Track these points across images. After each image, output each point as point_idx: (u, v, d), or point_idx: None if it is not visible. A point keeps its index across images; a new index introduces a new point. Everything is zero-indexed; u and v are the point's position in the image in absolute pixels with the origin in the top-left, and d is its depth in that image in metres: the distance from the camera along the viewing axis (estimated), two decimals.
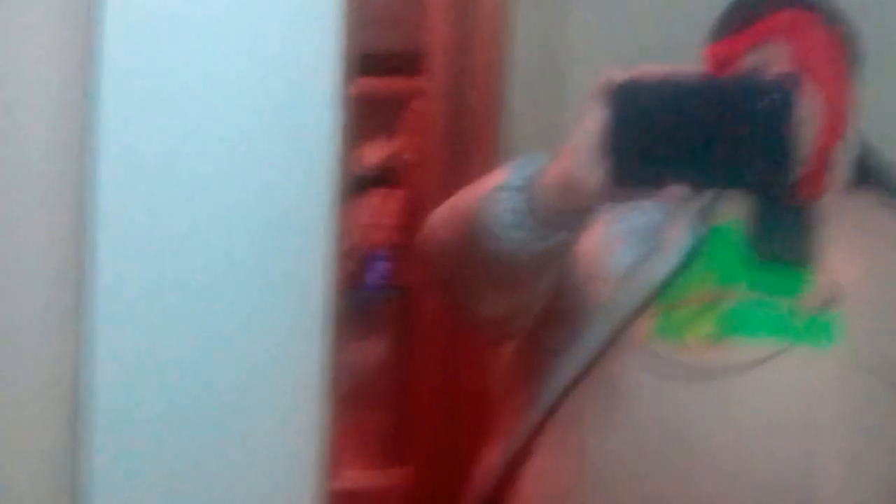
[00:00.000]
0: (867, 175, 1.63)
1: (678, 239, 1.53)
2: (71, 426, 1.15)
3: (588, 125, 1.33)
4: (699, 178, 1.32)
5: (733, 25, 1.57)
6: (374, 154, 3.51)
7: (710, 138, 1.30)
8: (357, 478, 2.93)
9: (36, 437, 1.15)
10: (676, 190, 1.30)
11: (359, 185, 3.37)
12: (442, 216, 1.58)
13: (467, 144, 2.76)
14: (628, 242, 1.54)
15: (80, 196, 1.13)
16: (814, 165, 1.54)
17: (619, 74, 1.32)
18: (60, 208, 1.13)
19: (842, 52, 1.58)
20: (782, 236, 1.53)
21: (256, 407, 1.23)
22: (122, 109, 1.13)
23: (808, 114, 1.50)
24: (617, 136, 1.32)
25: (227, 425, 1.21)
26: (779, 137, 1.30)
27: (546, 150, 1.43)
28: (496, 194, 1.44)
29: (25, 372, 1.14)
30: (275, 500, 1.24)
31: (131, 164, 1.14)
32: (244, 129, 1.19)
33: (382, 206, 3.51)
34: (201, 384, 1.20)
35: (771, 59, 1.52)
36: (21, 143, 1.12)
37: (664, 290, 1.51)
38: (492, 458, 1.68)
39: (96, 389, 1.15)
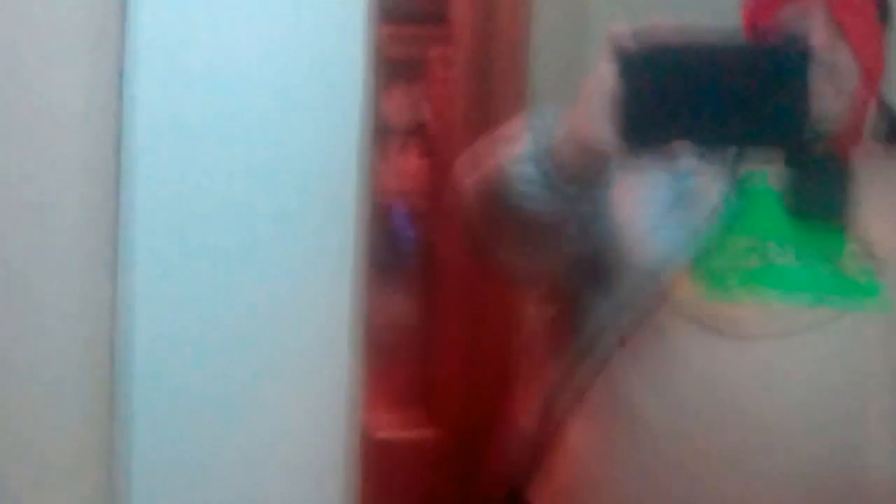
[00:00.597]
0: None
1: (713, 199, 1.53)
2: (108, 392, 1.17)
3: (597, 83, 1.32)
4: (710, 138, 1.31)
5: None
6: (396, 108, 3.50)
7: (721, 98, 1.29)
8: (384, 431, 2.95)
9: (77, 397, 1.17)
10: (687, 150, 1.30)
11: (381, 139, 3.37)
12: (465, 174, 1.58)
13: (492, 98, 2.76)
14: (663, 204, 1.54)
15: (116, 158, 1.14)
16: (848, 122, 1.54)
17: (626, 31, 1.30)
18: (96, 162, 1.14)
19: (875, 8, 1.57)
20: (818, 193, 1.53)
21: (290, 360, 1.24)
22: (155, 68, 1.14)
23: (843, 70, 1.50)
24: (626, 95, 1.30)
25: (262, 379, 1.22)
26: (790, 96, 1.28)
27: (570, 96, 1.42)
28: (510, 159, 1.45)
29: (65, 345, 1.16)
30: (309, 452, 1.25)
31: (165, 123, 1.15)
32: (275, 84, 1.19)
33: (405, 161, 3.51)
34: (236, 339, 1.20)
35: (806, 13, 1.51)
36: (57, 102, 1.13)
37: (700, 250, 1.51)
38: (526, 419, 1.68)
39: (133, 347, 1.16)
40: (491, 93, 2.75)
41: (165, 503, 1.20)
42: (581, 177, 1.41)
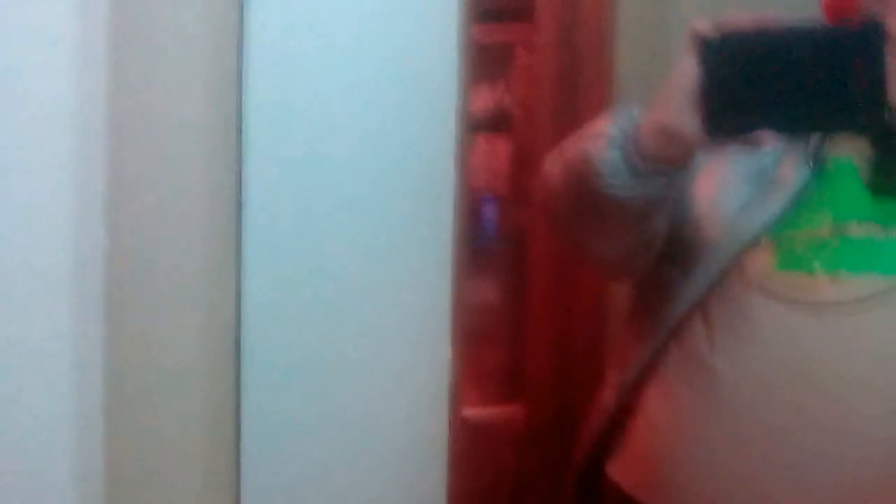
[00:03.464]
0: None
1: (792, 176, 1.54)
2: (232, 380, 1.24)
3: (680, 75, 1.36)
4: (790, 124, 1.34)
5: None
6: (482, 100, 3.52)
7: (800, 84, 1.32)
8: (473, 413, 2.97)
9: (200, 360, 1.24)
10: (769, 137, 1.34)
11: (470, 129, 3.39)
12: (553, 165, 1.61)
13: (576, 91, 2.78)
14: (744, 182, 1.56)
15: (235, 152, 1.21)
16: None
17: (706, 24, 1.34)
18: (217, 160, 1.21)
19: None
20: None
21: (389, 345, 1.29)
22: (267, 65, 1.21)
23: None
24: (708, 85, 1.34)
25: (365, 360, 1.28)
26: (867, 78, 1.31)
27: (655, 86, 1.45)
28: (598, 151, 1.47)
29: (189, 312, 1.23)
30: (408, 429, 1.32)
31: (278, 123, 1.22)
32: (378, 85, 1.25)
33: (490, 152, 3.53)
34: (338, 322, 1.27)
35: (885, 1, 1.49)
36: (179, 86, 1.20)
37: (778, 226, 1.52)
38: (609, 391, 1.71)
39: (250, 331, 1.22)
40: (576, 85, 2.77)
41: (277, 479, 1.27)
42: (665, 164, 1.44)
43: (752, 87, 1.33)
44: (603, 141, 1.47)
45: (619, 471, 1.67)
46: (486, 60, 3.31)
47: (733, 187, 1.56)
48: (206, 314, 1.24)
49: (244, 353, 1.22)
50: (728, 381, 1.53)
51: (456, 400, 1.37)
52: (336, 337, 1.27)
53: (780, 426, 1.50)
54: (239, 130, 1.20)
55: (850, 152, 1.54)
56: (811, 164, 1.55)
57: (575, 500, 1.76)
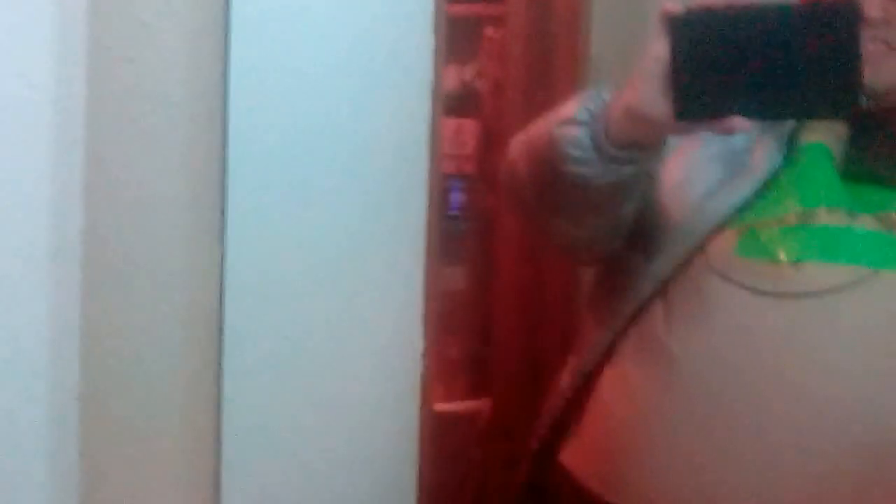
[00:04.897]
0: None
1: (763, 161, 1.55)
2: (212, 361, 1.25)
3: (650, 57, 1.37)
4: (762, 107, 1.35)
5: None
6: (451, 80, 3.52)
7: (772, 67, 1.33)
8: (440, 404, 2.97)
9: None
10: (740, 121, 1.36)
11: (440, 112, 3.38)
12: (519, 148, 1.61)
13: (546, 72, 2.79)
14: (712, 166, 1.57)
15: (218, 133, 1.21)
16: None
17: (677, 6, 1.35)
18: (198, 141, 1.22)
19: None
20: (871, 154, 1.54)
21: (361, 334, 1.30)
22: (249, 45, 1.21)
23: None
24: (679, 67, 1.35)
25: (338, 348, 1.29)
26: (841, 59, 1.32)
27: (628, 72, 1.46)
28: (564, 129, 1.48)
29: (169, 296, 1.24)
30: (379, 418, 1.33)
31: (257, 100, 1.22)
32: (353, 69, 1.26)
33: (460, 133, 3.53)
34: (313, 308, 1.28)
35: None
36: (161, 64, 1.20)
37: (746, 210, 1.53)
38: (566, 376, 1.71)
39: (230, 313, 1.23)
40: (547, 66, 2.78)
41: (255, 460, 1.28)
42: (634, 148, 1.45)
43: (724, 69, 1.34)
44: (571, 123, 1.48)
45: (571, 457, 1.67)
46: (455, 39, 3.31)
47: (701, 171, 1.57)
48: (187, 298, 1.24)
49: (225, 337, 1.23)
50: (685, 367, 1.53)
51: (427, 390, 1.37)
52: (309, 324, 1.27)
53: (736, 414, 1.51)
54: (223, 111, 1.21)
55: (824, 137, 1.55)
56: (783, 148, 1.56)
57: (527, 488, 1.77)
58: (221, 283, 1.22)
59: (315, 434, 1.29)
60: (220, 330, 1.23)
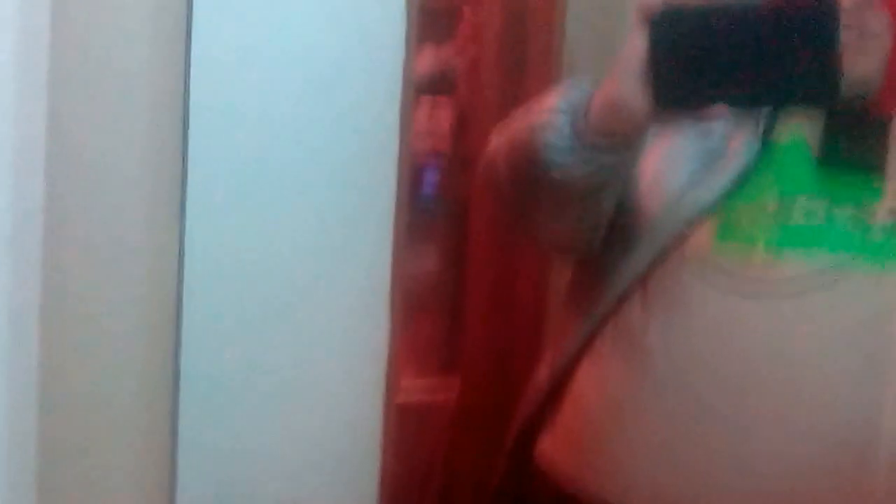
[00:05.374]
0: None
1: (740, 152, 1.56)
2: (167, 346, 1.24)
3: (630, 48, 1.38)
4: (742, 98, 1.36)
5: None
6: (426, 62, 3.51)
7: (752, 57, 1.34)
8: (410, 386, 2.98)
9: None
10: (722, 112, 1.36)
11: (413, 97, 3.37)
12: (500, 140, 1.62)
13: (523, 55, 2.79)
14: (690, 158, 1.58)
15: (181, 110, 1.20)
16: (887, 82, 1.54)
17: None
18: (160, 115, 1.21)
19: None
20: (851, 147, 1.54)
21: (327, 313, 1.30)
22: (214, 22, 1.20)
23: (873, 31, 1.51)
24: (659, 58, 1.36)
25: (302, 330, 1.29)
26: (818, 53, 1.33)
27: (603, 61, 1.46)
28: (545, 121, 1.49)
29: (129, 271, 1.22)
30: (343, 401, 1.32)
31: (222, 75, 1.21)
32: (322, 47, 1.25)
33: (434, 114, 3.52)
34: (279, 293, 1.28)
35: None
36: (124, 36, 1.19)
37: (724, 202, 1.54)
38: (543, 369, 1.73)
39: (190, 289, 1.22)
40: (523, 49, 2.77)
41: (210, 444, 1.27)
42: (615, 140, 1.46)
43: (704, 60, 1.35)
44: (552, 116, 1.49)
45: (549, 451, 1.69)
46: (430, 21, 3.30)
47: (679, 163, 1.58)
48: (147, 273, 1.23)
49: (184, 316, 1.23)
50: (662, 361, 1.55)
51: (392, 371, 1.37)
52: (272, 304, 1.27)
53: (713, 409, 1.52)
54: (185, 87, 1.20)
55: (801, 128, 1.55)
56: (759, 140, 1.56)
57: (504, 481, 1.77)
58: (181, 262, 1.22)
59: (275, 418, 1.29)
60: (180, 310, 1.22)
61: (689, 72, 1.36)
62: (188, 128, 1.20)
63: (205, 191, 1.22)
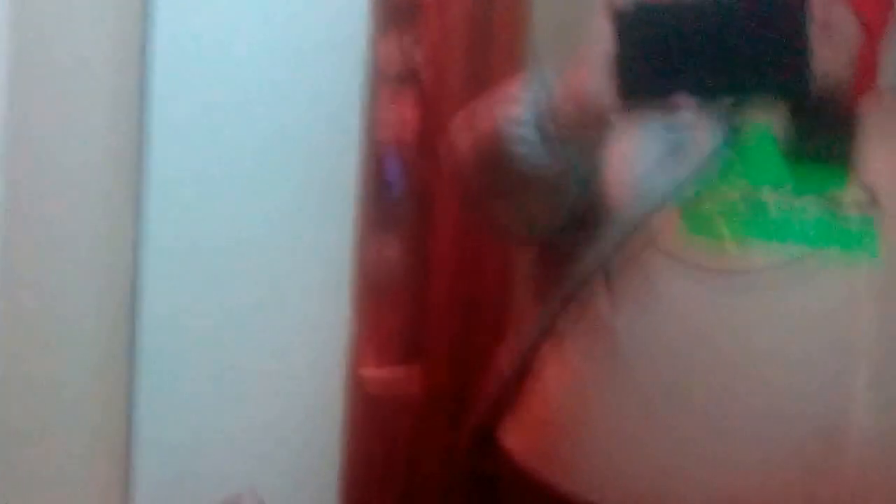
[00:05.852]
0: None
1: (706, 141, 1.56)
2: (123, 337, 1.24)
3: (594, 40, 1.38)
4: (710, 90, 1.36)
5: None
6: (390, 51, 3.51)
7: (720, 48, 1.34)
8: (371, 374, 2.97)
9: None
10: (688, 103, 1.36)
11: (375, 86, 3.36)
12: (461, 131, 1.62)
13: (488, 43, 2.79)
14: (655, 146, 1.57)
15: (140, 99, 1.19)
16: (854, 76, 1.56)
17: None
18: (119, 102, 1.20)
19: None
20: (818, 139, 1.55)
21: (287, 301, 1.30)
22: (174, 10, 1.20)
23: (839, 25, 1.52)
24: (625, 51, 1.36)
25: (262, 316, 1.29)
26: (785, 45, 1.33)
27: (569, 48, 1.46)
28: (509, 112, 1.49)
29: (85, 261, 1.22)
30: (304, 389, 1.33)
31: (183, 63, 1.20)
32: (281, 36, 1.25)
33: (398, 105, 3.51)
34: (239, 285, 1.27)
35: None
36: (84, 31, 1.18)
37: (690, 193, 1.54)
38: (505, 355, 1.73)
39: (147, 278, 1.22)
40: (488, 37, 2.77)
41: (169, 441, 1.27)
42: (580, 135, 1.46)
43: (670, 52, 1.35)
44: (515, 109, 1.49)
45: (513, 438, 1.68)
46: (394, 9, 3.29)
47: (644, 151, 1.58)
48: (105, 262, 1.23)
49: (141, 301, 1.22)
50: (629, 348, 1.55)
51: (354, 360, 1.37)
52: (233, 289, 1.27)
53: (680, 397, 1.52)
54: (146, 75, 1.19)
55: (768, 119, 1.55)
56: (725, 129, 1.56)
57: (467, 468, 1.77)
58: (139, 249, 1.21)
59: (236, 406, 1.29)
60: (139, 299, 1.22)
61: (656, 65, 1.36)
62: (149, 114, 1.19)
63: (165, 178, 1.22)
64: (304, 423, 1.33)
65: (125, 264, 1.22)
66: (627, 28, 1.36)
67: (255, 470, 1.30)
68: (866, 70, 1.58)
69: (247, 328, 1.28)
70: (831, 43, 1.51)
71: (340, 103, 1.28)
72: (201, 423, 1.28)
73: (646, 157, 1.57)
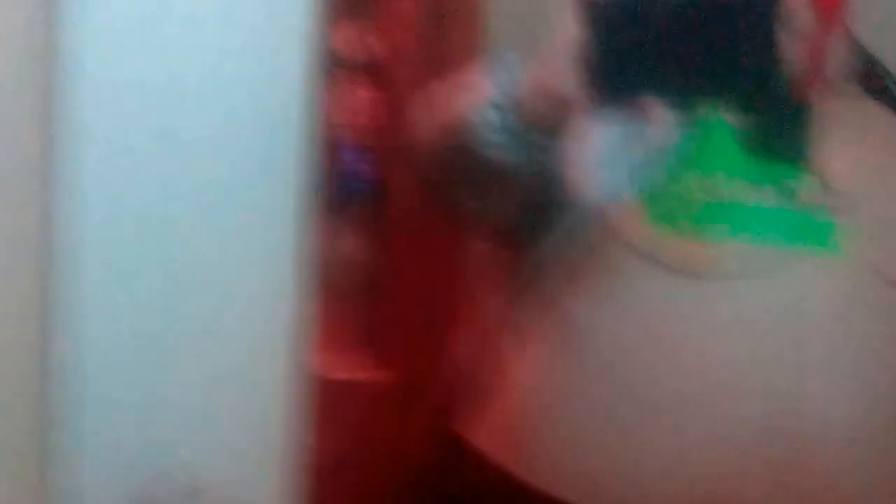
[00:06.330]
0: (867, 82, 1.66)
1: (664, 131, 1.55)
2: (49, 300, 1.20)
3: (565, 34, 1.38)
4: (677, 86, 1.36)
5: None
6: (348, 42, 3.51)
7: (688, 45, 1.34)
8: (332, 370, 2.98)
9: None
10: (654, 99, 1.35)
11: (332, 74, 3.37)
12: (425, 120, 1.62)
13: (446, 34, 2.78)
14: (612, 138, 1.57)
15: (55, 80, 1.16)
16: (807, 65, 1.55)
17: None
18: (35, 85, 1.17)
19: None
20: (776, 130, 1.55)
21: (235, 297, 1.27)
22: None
23: (793, 14, 1.51)
24: (594, 44, 1.36)
25: (206, 314, 1.26)
26: (760, 39, 1.34)
27: (528, 37, 1.45)
28: (475, 103, 1.50)
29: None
30: (254, 389, 1.30)
31: (105, 51, 1.17)
32: (218, 16, 1.22)
33: (355, 94, 3.51)
34: (178, 276, 1.24)
35: None
36: None
37: (649, 184, 1.55)
38: (463, 348, 1.74)
39: (77, 277, 1.19)
40: (445, 26, 2.77)
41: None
42: (545, 122, 1.47)
43: (640, 46, 1.35)
44: (479, 95, 1.50)
45: (478, 434, 1.68)
46: (353, 1, 3.29)
47: (602, 141, 1.57)
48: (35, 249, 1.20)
49: (83, 289, 1.20)
50: (591, 340, 1.56)
51: (306, 358, 1.35)
52: (171, 285, 1.24)
53: (641, 389, 1.53)
54: (60, 45, 1.16)
55: (725, 111, 1.55)
56: (684, 120, 1.55)
57: (428, 461, 1.77)
58: (62, 235, 1.19)
59: (182, 403, 1.26)
60: (71, 283, 1.19)
61: (625, 58, 1.36)
62: (78, 111, 1.16)
63: (90, 175, 1.19)
64: (255, 419, 1.30)
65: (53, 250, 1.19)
66: (598, 21, 1.36)
67: (191, 457, 1.27)
68: (818, 61, 1.58)
69: (182, 316, 1.25)
70: (787, 33, 1.50)
71: (285, 90, 1.25)
72: (147, 421, 1.25)
73: (604, 146, 1.57)
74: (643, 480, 1.52)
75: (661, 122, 1.54)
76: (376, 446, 2.90)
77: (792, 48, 1.51)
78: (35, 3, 1.16)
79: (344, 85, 3.43)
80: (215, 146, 1.23)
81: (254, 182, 1.26)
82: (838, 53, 1.61)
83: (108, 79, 1.18)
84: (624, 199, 1.55)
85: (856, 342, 1.51)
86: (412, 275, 2.91)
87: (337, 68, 3.39)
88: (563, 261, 1.58)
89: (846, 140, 1.57)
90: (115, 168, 1.21)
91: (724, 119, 1.55)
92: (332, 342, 3.10)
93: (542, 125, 1.47)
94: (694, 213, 1.52)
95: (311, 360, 1.36)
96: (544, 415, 1.59)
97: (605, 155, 1.57)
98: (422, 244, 2.87)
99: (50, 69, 1.17)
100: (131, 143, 1.20)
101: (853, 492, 1.50)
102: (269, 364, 1.29)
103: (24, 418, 1.22)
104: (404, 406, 2.73)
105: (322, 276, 1.38)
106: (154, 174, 1.22)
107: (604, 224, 1.55)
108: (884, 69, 1.67)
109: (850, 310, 1.51)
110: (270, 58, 1.24)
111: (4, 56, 1.15)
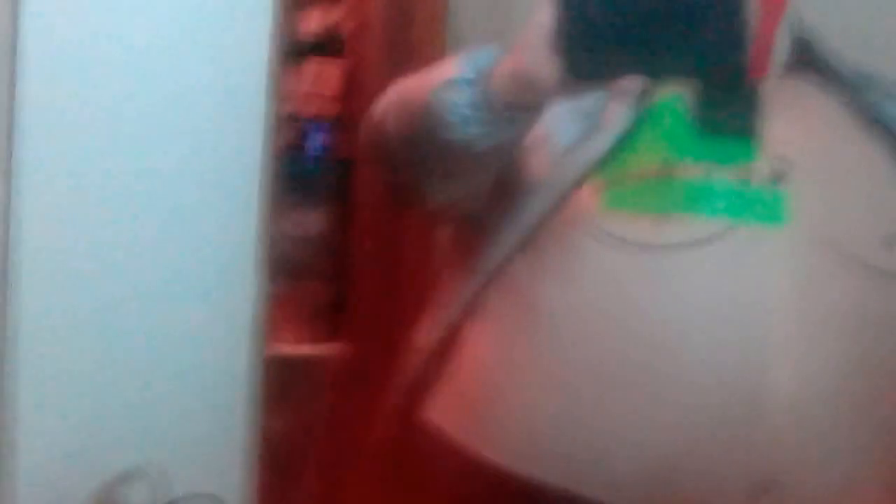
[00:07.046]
0: (808, 61, 1.69)
1: (620, 114, 1.58)
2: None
3: (540, 18, 1.38)
4: (653, 68, 1.38)
5: None
6: (315, 21, 3.50)
7: (663, 28, 1.35)
8: (292, 348, 2.98)
9: None
10: (630, 81, 1.37)
11: (298, 53, 3.37)
12: (388, 107, 1.62)
13: (412, 13, 2.79)
14: (572, 120, 1.59)
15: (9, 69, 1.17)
16: (758, 46, 1.57)
17: None
18: None
19: None
20: (728, 111, 1.57)
21: (194, 275, 1.29)
22: None
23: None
24: (569, 28, 1.36)
25: (164, 293, 1.27)
26: (730, 23, 1.35)
27: (490, 22, 1.47)
28: (448, 89, 1.49)
29: None
30: (212, 366, 1.32)
31: (61, 44, 1.18)
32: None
33: (322, 76, 3.51)
34: (138, 251, 1.26)
35: None
36: None
37: (606, 165, 1.55)
38: (428, 329, 1.73)
39: (31, 259, 1.20)
40: (409, 13, 2.78)
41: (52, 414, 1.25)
42: (518, 107, 1.46)
43: (614, 29, 1.36)
44: (454, 82, 1.49)
45: (438, 412, 1.69)
46: None
47: (561, 127, 1.59)
48: None
49: (26, 276, 1.21)
50: (552, 320, 1.56)
51: (266, 335, 1.37)
52: (132, 263, 1.26)
53: (603, 367, 1.53)
54: (19, 28, 1.17)
55: (678, 91, 1.57)
56: (637, 103, 1.58)
57: (391, 444, 1.78)
58: (19, 230, 1.20)
59: (137, 379, 1.27)
60: (14, 269, 1.20)
61: (600, 42, 1.37)
62: (22, 60, 1.17)
63: (63, 142, 1.20)
64: (208, 399, 1.32)
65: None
66: (572, 5, 1.37)
67: (156, 446, 1.29)
68: (764, 46, 1.61)
69: (143, 303, 1.26)
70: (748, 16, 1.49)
71: (245, 73, 1.27)
72: (92, 401, 1.26)
73: (564, 130, 1.59)
74: (604, 456, 1.52)
75: (624, 104, 1.58)
76: (338, 421, 2.90)
77: (751, 30, 1.49)
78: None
79: (311, 68, 3.42)
80: (176, 124, 1.25)
81: (214, 161, 1.27)
82: (779, 39, 1.64)
83: (64, 55, 1.19)
84: (583, 182, 1.55)
85: (814, 314, 1.52)
86: (376, 253, 2.91)
87: (303, 47, 3.38)
88: (524, 243, 1.58)
89: (790, 119, 1.60)
90: (74, 146, 1.21)
91: (677, 101, 1.57)
92: (296, 319, 3.09)
93: (516, 111, 1.47)
94: (652, 194, 1.53)
95: (272, 337, 1.37)
96: (503, 392, 1.60)
97: (561, 137, 1.58)
98: (386, 222, 2.88)
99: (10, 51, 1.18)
100: (89, 120, 1.21)
101: (819, 457, 1.51)
102: (229, 344, 1.31)
103: None
104: (367, 382, 2.73)
105: (286, 253, 1.39)
106: (113, 152, 1.23)
107: (565, 207, 1.56)
108: (818, 48, 1.71)
109: (803, 282, 1.53)
110: (233, 38, 1.26)
111: None
